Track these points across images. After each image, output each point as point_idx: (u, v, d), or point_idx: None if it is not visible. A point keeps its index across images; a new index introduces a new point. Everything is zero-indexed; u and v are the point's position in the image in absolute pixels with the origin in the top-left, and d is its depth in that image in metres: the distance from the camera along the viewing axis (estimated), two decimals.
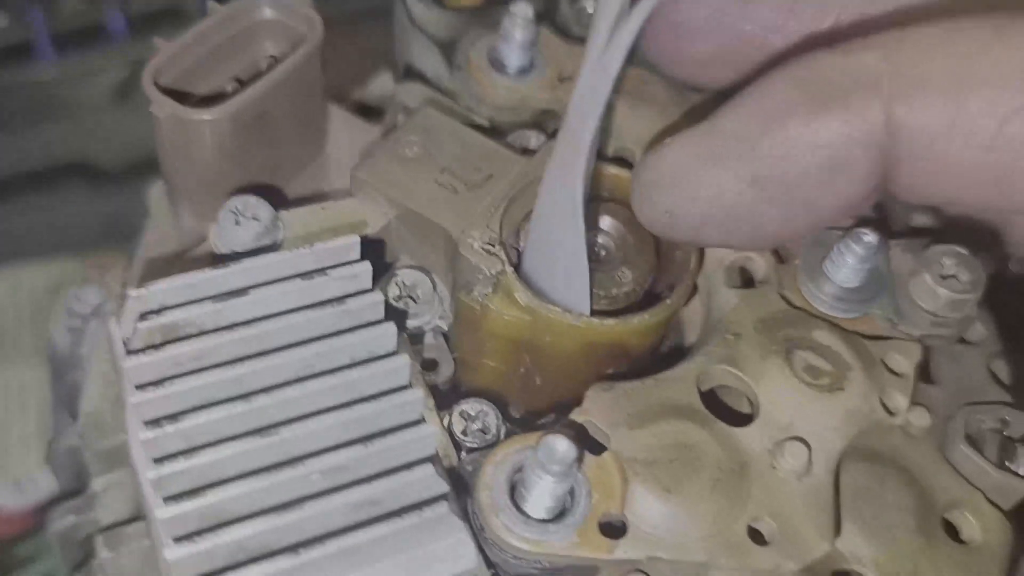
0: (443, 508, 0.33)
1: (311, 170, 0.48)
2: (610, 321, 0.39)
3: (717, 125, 0.36)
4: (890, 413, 0.40)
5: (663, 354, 0.44)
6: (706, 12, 0.40)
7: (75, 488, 0.51)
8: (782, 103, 0.34)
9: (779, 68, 0.36)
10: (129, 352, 0.35)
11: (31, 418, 0.60)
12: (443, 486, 0.34)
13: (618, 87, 0.44)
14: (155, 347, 0.35)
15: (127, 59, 0.65)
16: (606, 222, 0.42)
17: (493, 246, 0.40)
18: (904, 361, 0.41)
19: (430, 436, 0.34)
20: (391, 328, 0.36)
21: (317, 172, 0.48)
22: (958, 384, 0.44)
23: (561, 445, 0.34)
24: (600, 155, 0.43)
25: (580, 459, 0.35)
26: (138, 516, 0.45)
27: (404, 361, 0.36)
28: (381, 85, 0.53)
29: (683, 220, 0.37)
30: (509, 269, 0.40)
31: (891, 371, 0.41)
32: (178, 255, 0.43)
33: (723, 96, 0.38)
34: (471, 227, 0.40)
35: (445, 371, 0.43)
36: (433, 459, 0.34)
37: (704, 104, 0.43)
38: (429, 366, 0.43)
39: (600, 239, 0.42)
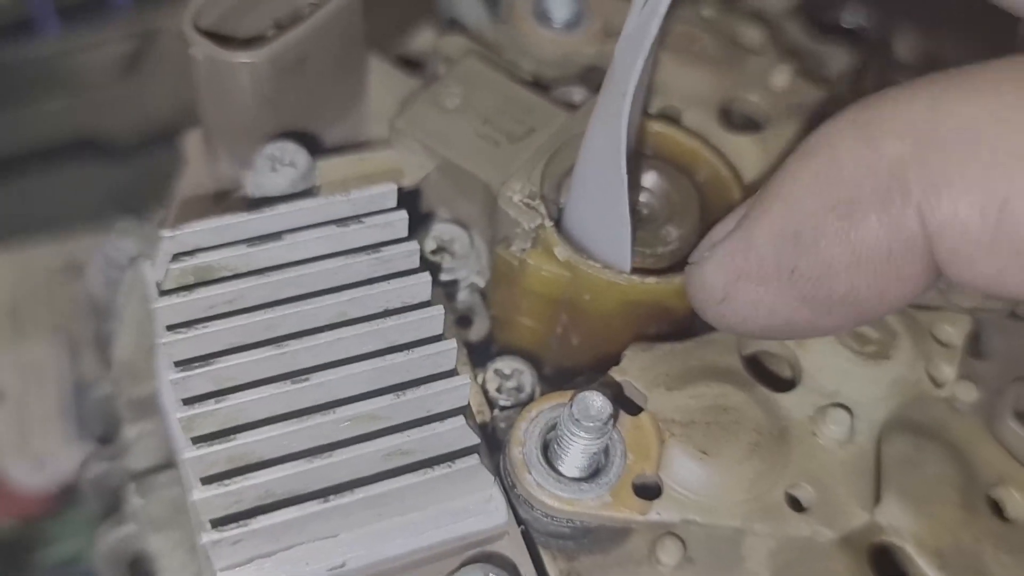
0: (474, 460, 0.32)
1: (350, 121, 0.47)
2: (652, 280, 0.38)
3: (752, 241, 0.32)
4: (936, 385, 0.39)
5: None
6: None
7: (108, 437, 0.52)
8: (811, 215, 0.30)
9: (805, 159, 0.30)
10: (161, 293, 0.35)
11: (50, 396, 0.59)
12: (474, 438, 0.33)
13: (665, 40, 0.43)
14: (187, 288, 0.35)
15: (133, 31, 0.63)
16: (650, 179, 0.41)
17: (533, 200, 0.39)
18: (953, 332, 0.40)
19: (463, 387, 0.34)
20: (426, 277, 0.36)
21: (356, 123, 0.47)
22: (1009, 359, 0.42)
23: (596, 401, 0.33)
24: (645, 112, 0.42)
25: (615, 417, 0.34)
26: (169, 463, 0.45)
27: (438, 311, 0.35)
28: (423, 39, 0.52)
29: (739, 329, 0.35)
30: (549, 223, 0.39)
31: (939, 342, 0.40)
32: (214, 198, 0.42)
33: None
34: (511, 180, 0.40)
35: (480, 328, 0.42)
36: (465, 411, 0.33)
37: None
38: (464, 323, 0.42)
39: (644, 197, 0.41)
